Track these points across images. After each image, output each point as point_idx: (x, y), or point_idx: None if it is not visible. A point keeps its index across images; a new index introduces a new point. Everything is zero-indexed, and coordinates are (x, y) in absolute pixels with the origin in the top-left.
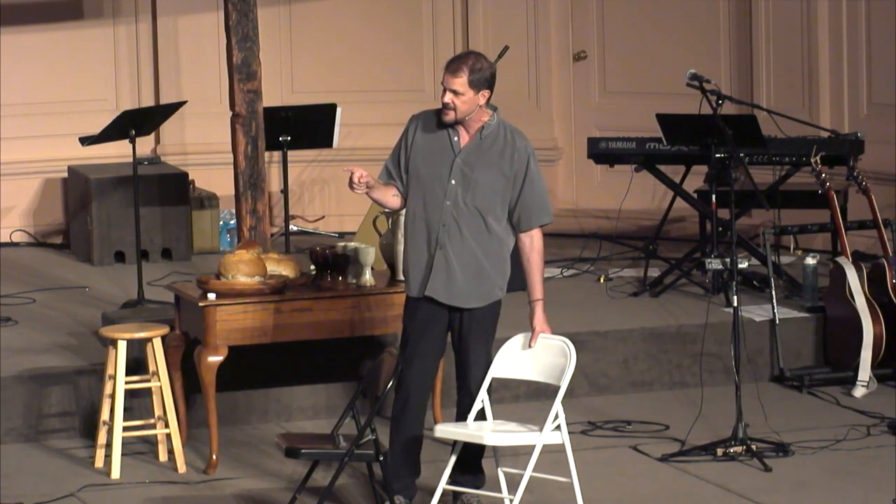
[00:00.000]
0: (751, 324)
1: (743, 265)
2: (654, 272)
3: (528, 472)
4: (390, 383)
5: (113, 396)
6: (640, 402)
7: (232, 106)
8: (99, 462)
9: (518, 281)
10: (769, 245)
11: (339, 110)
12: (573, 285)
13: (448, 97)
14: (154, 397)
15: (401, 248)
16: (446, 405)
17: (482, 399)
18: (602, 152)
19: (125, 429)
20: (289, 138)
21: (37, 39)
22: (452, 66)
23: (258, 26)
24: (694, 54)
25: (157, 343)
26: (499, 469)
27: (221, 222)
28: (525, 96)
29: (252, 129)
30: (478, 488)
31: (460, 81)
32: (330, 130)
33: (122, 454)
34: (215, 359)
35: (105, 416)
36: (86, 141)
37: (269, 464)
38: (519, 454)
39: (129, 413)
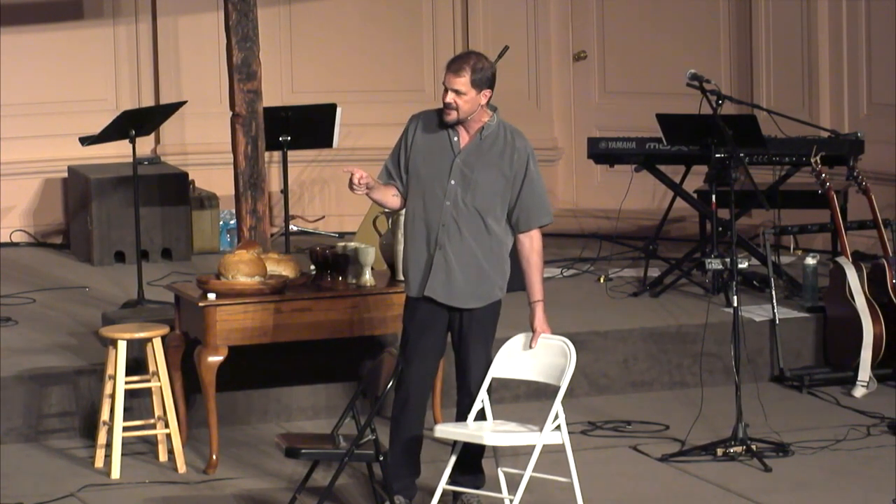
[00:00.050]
0: (751, 324)
1: (743, 265)
2: (654, 272)
3: (528, 473)
4: (390, 383)
5: (113, 396)
6: (640, 402)
7: (232, 106)
8: (99, 462)
9: (518, 281)
10: (769, 245)
11: (339, 110)
12: (573, 285)
13: (450, 97)
14: (154, 397)
15: (401, 248)
16: (446, 405)
17: (482, 399)
18: (602, 152)
19: (125, 429)
20: (289, 138)
21: (37, 39)
22: (455, 66)
23: (258, 26)
24: (694, 54)
25: (157, 343)
26: (499, 469)
27: (221, 222)
28: (525, 96)
29: (252, 129)
30: (478, 488)
31: (463, 81)
32: (330, 130)
33: (122, 454)
34: (215, 359)
35: (105, 416)
36: (86, 141)
37: (269, 464)
38: (519, 454)
39: (129, 413)
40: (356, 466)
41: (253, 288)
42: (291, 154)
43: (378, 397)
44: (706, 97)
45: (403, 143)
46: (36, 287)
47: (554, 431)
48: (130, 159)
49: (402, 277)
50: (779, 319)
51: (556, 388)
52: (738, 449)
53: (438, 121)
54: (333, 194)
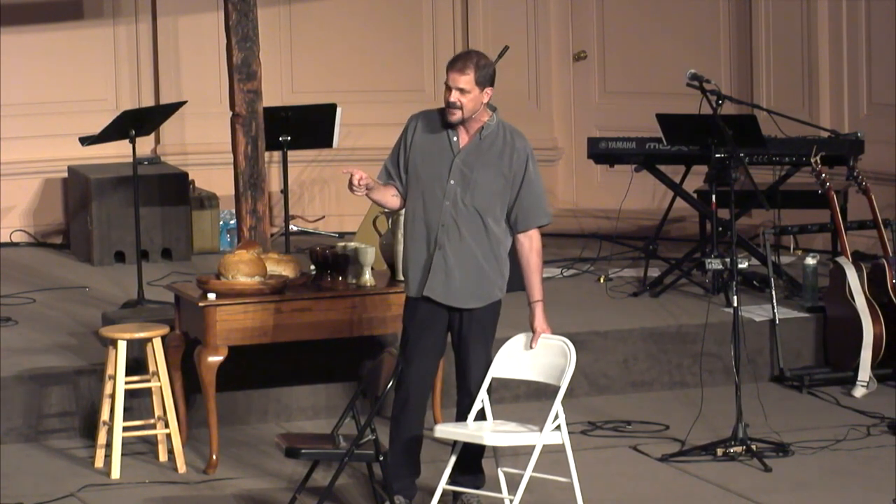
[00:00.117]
0: (751, 324)
1: (743, 265)
2: (654, 272)
3: (528, 473)
4: (390, 383)
5: (113, 396)
6: (640, 402)
7: (232, 106)
8: (99, 462)
9: (518, 281)
10: (769, 245)
11: (339, 110)
12: (573, 285)
13: (455, 96)
14: (154, 397)
15: (400, 248)
16: (446, 405)
17: (482, 399)
18: (602, 152)
19: (125, 429)
20: (289, 138)
21: (37, 39)
22: (458, 65)
23: (258, 26)
24: (694, 54)
25: (157, 343)
26: (499, 469)
27: (221, 222)
28: (525, 96)
29: (252, 129)
30: (478, 488)
31: (467, 79)
32: (330, 130)
33: (122, 454)
34: (215, 359)
35: (105, 416)
36: (86, 141)
37: (269, 464)
38: (519, 454)
39: (129, 413)
40: (356, 466)
41: (253, 288)
42: (291, 154)
43: (378, 397)
44: (706, 97)
45: (403, 144)
46: (36, 287)
47: (554, 431)
48: (130, 159)
49: (402, 277)
50: (779, 319)
51: (556, 389)
52: (738, 449)
53: (438, 121)
54: (333, 194)
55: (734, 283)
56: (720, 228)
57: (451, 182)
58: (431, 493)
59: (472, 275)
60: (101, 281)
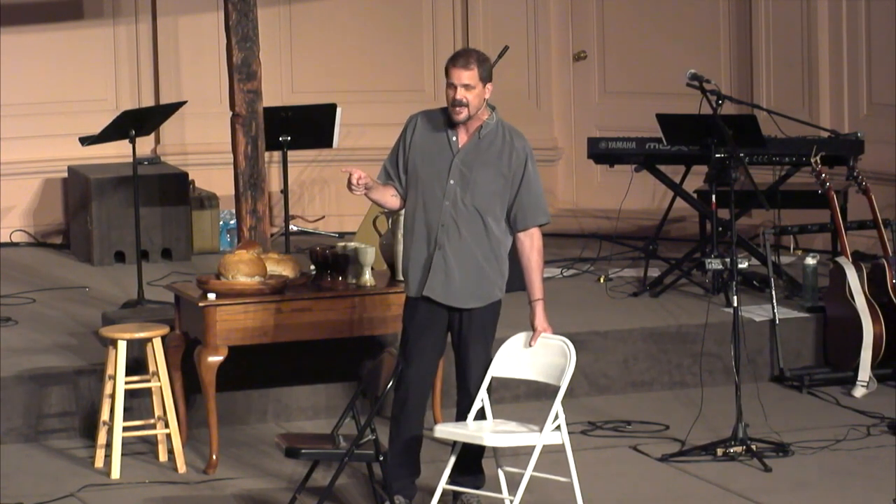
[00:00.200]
0: (751, 324)
1: (743, 265)
2: (654, 272)
3: (528, 473)
4: (390, 383)
5: (113, 396)
6: (640, 402)
7: (232, 106)
8: (99, 462)
9: (518, 281)
10: (769, 245)
11: (339, 110)
12: (573, 285)
13: (461, 93)
14: (154, 397)
15: (400, 248)
16: (446, 405)
17: (482, 398)
18: (602, 152)
19: (125, 429)
20: (289, 138)
21: (37, 39)
22: (461, 61)
23: (258, 26)
24: (694, 54)
25: (157, 343)
26: (499, 469)
27: (221, 222)
28: (525, 96)
29: (252, 129)
30: (478, 488)
31: (472, 74)
32: (330, 130)
33: (122, 454)
34: (215, 359)
35: (105, 416)
36: (86, 141)
37: (269, 464)
38: (519, 454)
39: (129, 413)
40: (356, 466)
41: (253, 288)
42: (291, 154)
43: (378, 397)
44: (706, 97)
45: (402, 144)
46: (36, 287)
47: (554, 431)
48: (130, 159)
49: (401, 277)
50: (779, 319)
51: (556, 388)
52: (738, 449)
53: (437, 121)
54: (333, 194)
55: (734, 283)
56: (720, 228)
57: (451, 182)
58: (431, 493)
59: (471, 275)
60: (101, 281)
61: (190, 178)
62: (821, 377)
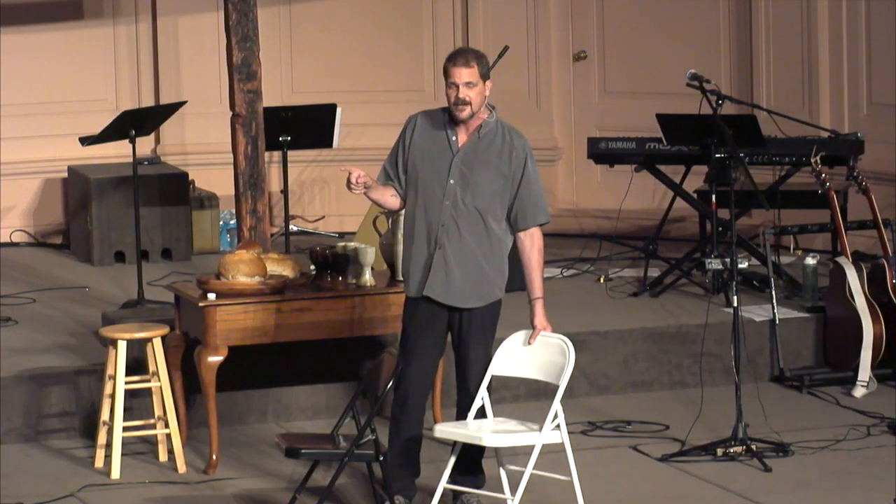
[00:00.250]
0: (751, 324)
1: (743, 265)
2: (654, 272)
3: (528, 471)
4: (390, 383)
5: (113, 396)
6: (640, 402)
7: (232, 106)
8: (99, 462)
9: (518, 281)
10: (769, 245)
11: (339, 110)
12: (573, 285)
13: (463, 92)
14: (154, 397)
15: (400, 248)
16: (446, 405)
17: (482, 397)
18: (602, 152)
19: (125, 429)
20: (289, 138)
21: (37, 39)
22: (461, 60)
23: (258, 26)
24: (694, 54)
25: (157, 343)
26: (500, 468)
27: (221, 222)
28: (525, 96)
29: (252, 129)
30: (478, 488)
31: (472, 72)
32: (330, 130)
33: (122, 454)
34: (215, 359)
35: (105, 416)
36: (86, 141)
37: (269, 464)
38: (520, 454)
39: (129, 413)
40: (356, 466)
41: (253, 288)
42: (291, 154)
43: (378, 397)
44: (706, 97)
45: (401, 144)
46: (36, 287)
47: (553, 431)
48: (130, 159)
49: (401, 278)
50: (779, 319)
51: (556, 388)
52: (738, 449)
53: (437, 121)
54: (333, 194)
55: (734, 283)
56: (720, 228)
57: (451, 181)
58: (431, 493)
59: (472, 274)
60: (101, 281)
61: (190, 178)
62: (821, 377)
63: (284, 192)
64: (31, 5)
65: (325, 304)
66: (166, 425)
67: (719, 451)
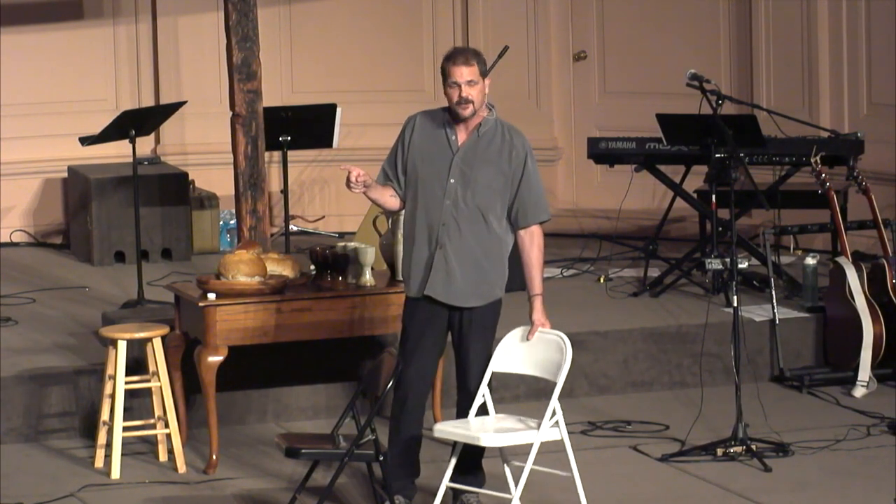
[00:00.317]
0: (751, 324)
1: (743, 265)
2: (654, 272)
3: (527, 469)
4: (390, 383)
5: (113, 396)
6: (640, 402)
7: (232, 106)
8: (99, 462)
9: (518, 281)
10: (769, 245)
11: (339, 110)
12: (573, 285)
13: (465, 90)
14: (154, 397)
15: (400, 248)
16: (446, 405)
17: (483, 394)
18: (602, 152)
19: (125, 429)
20: (289, 138)
21: (37, 39)
22: (461, 59)
23: (258, 26)
24: (694, 54)
25: (157, 343)
26: (504, 465)
27: (221, 222)
28: (525, 96)
29: (252, 129)
30: (479, 487)
31: (473, 70)
32: (330, 130)
33: (122, 454)
34: (215, 359)
35: (105, 416)
36: (86, 141)
37: (269, 464)
38: (518, 453)
39: (129, 413)
40: (356, 466)
41: (253, 288)
42: (291, 154)
43: (378, 397)
44: (706, 97)
45: (401, 145)
46: (36, 287)
47: (552, 428)
48: (130, 159)
49: (401, 278)
50: (779, 319)
51: (555, 386)
52: (738, 449)
53: (436, 120)
54: (333, 194)
55: (734, 283)
56: (720, 228)
57: (452, 181)
58: (431, 493)
59: (473, 273)
60: (101, 281)
61: (190, 178)
62: (821, 377)
63: (284, 192)
64: (31, 5)
65: (325, 304)
66: (166, 425)
67: (719, 451)
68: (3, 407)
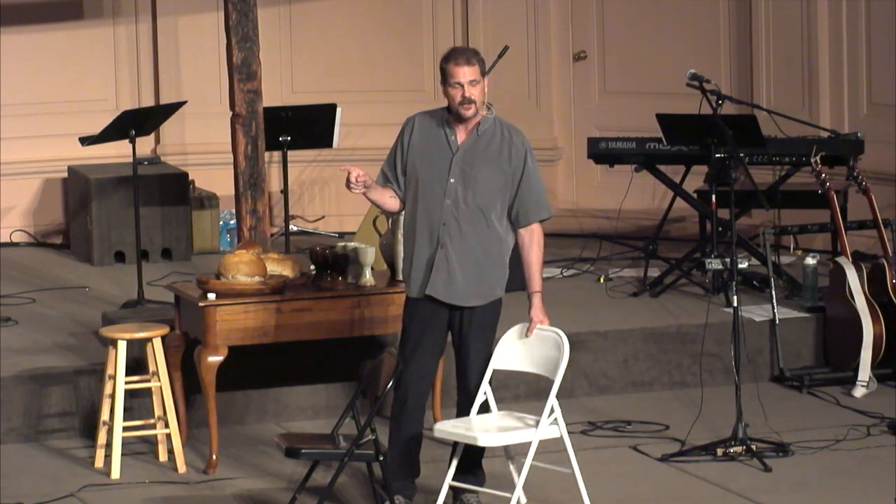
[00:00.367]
0: (751, 324)
1: (743, 265)
2: (654, 272)
3: (527, 464)
4: (390, 383)
5: (113, 396)
6: (640, 402)
7: (232, 106)
8: (99, 462)
9: (518, 281)
10: (769, 245)
11: (339, 110)
12: (573, 285)
13: (468, 90)
14: (154, 397)
15: (401, 248)
16: (446, 405)
17: (484, 391)
18: (602, 152)
19: (125, 429)
20: (289, 138)
21: (37, 39)
22: (462, 59)
23: (258, 26)
24: (694, 54)
25: (157, 343)
26: (509, 462)
27: (221, 222)
28: (525, 96)
29: (252, 129)
30: (479, 486)
31: (475, 70)
32: (330, 130)
33: (122, 454)
34: (215, 359)
35: (105, 416)
36: (86, 141)
37: (269, 464)
38: (522, 452)
39: (129, 413)
40: (356, 466)
41: (253, 288)
42: (291, 154)
43: (378, 397)
44: (706, 97)
45: (400, 146)
46: (36, 287)
47: (551, 426)
48: (130, 159)
49: (401, 278)
50: (779, 319)
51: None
52: (738, 449)
53: (435, 121)
54: (333, 194)
55: (734, 283)
56: (720, 228)
57: (452, 180)
58: (431, 493)
59: (473, 273)
60: (101, 281)
61: (190, 178)
62: (821, 377)
63: (284, 192)
64: (31, 5)
65: (325, 304)
66: (166, 425)
67: (719, 451)
68: (3, 407)
